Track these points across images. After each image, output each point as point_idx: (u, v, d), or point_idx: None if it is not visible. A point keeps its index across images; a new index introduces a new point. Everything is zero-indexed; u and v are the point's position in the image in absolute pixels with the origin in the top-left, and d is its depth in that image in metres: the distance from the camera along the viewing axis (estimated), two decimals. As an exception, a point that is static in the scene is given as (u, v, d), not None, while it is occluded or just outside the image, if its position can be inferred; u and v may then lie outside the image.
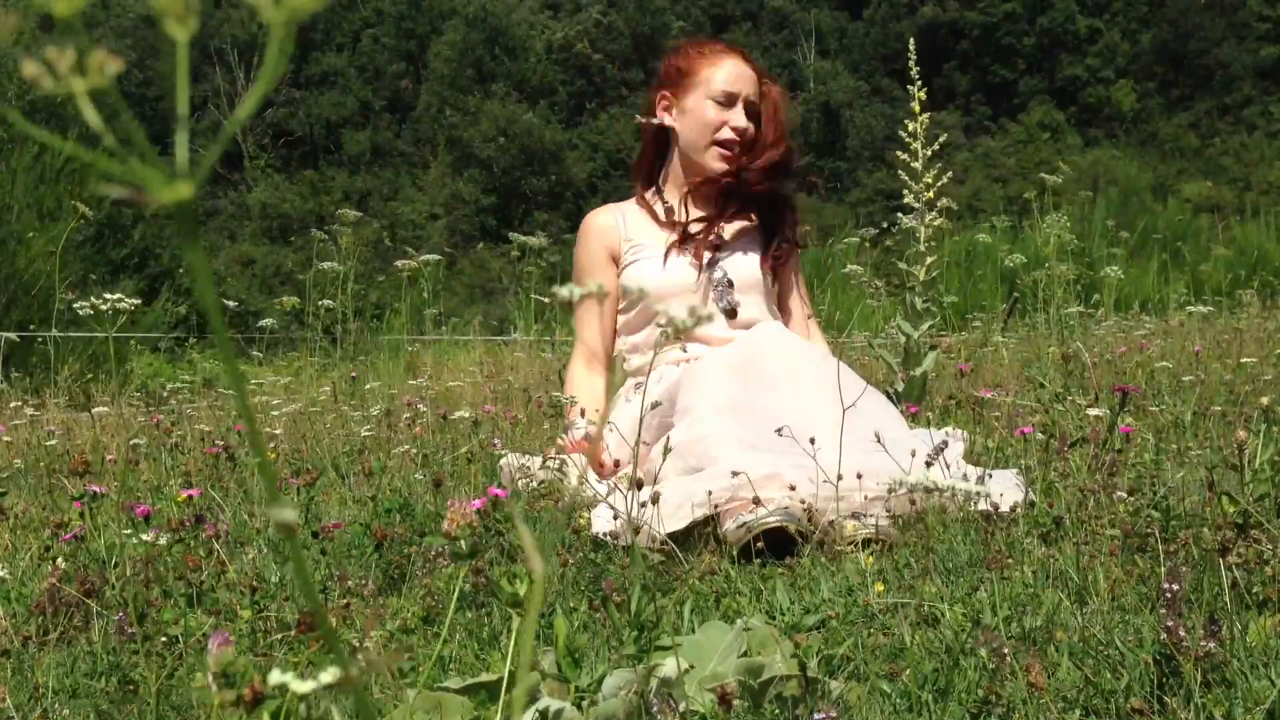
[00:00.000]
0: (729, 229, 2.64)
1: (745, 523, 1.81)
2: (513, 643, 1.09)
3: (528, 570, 1.27)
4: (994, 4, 40.67)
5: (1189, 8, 38.55)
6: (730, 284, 2.56)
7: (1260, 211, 10.58)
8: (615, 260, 2.63)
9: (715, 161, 2.60)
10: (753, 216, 2.67)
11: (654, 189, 2.71)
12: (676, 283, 2.53)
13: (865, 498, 1.87)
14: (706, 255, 2.57)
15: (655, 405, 2.29)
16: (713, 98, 2.59)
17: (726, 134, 2.59)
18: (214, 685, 0.76)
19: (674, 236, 2.59)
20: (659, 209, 2.67)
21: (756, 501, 1.81)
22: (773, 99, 2.64)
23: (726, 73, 2.60)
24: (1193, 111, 38.13)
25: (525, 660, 0.44)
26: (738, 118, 2.59)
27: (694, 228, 2.61)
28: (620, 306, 2.65)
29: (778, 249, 2.64)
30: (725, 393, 2.11)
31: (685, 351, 2.50)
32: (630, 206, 2.71)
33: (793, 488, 1.84)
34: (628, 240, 2.63)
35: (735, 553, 1.81)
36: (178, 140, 0.33)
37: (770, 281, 2.65)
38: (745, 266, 2.59)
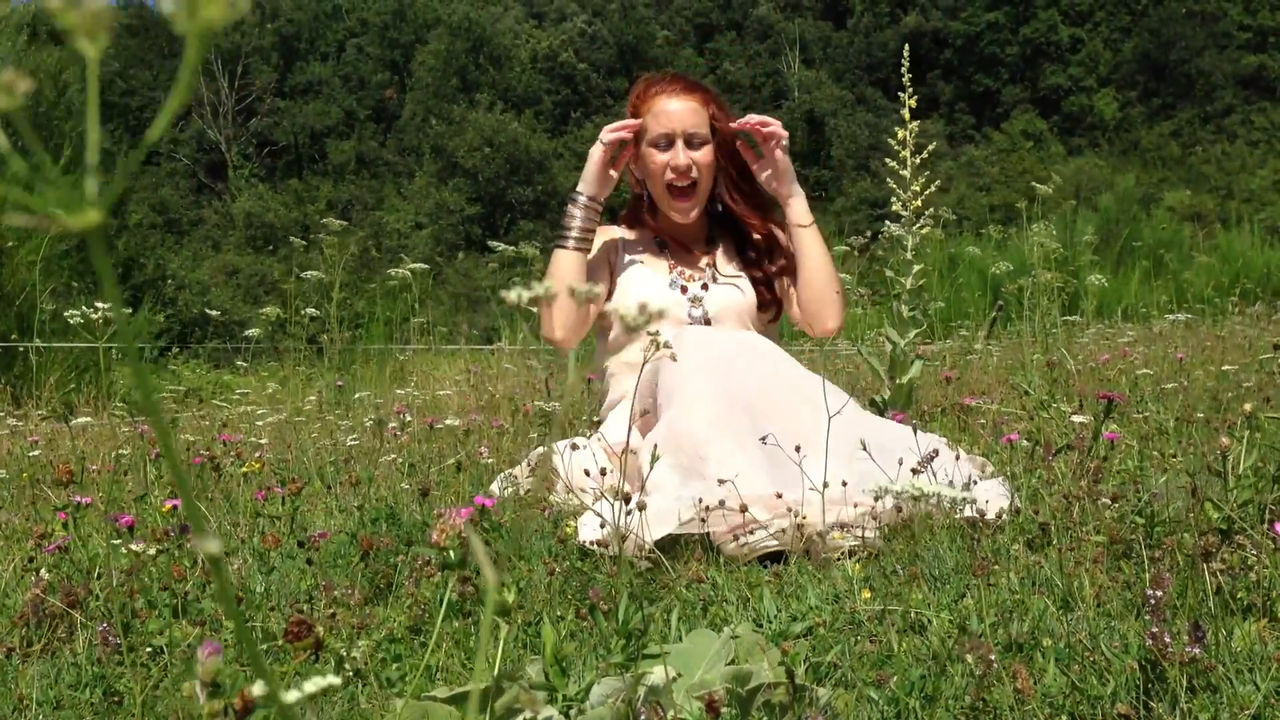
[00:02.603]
0: (723, 262, 2.65)
1: (748, 544, 1.82)
2: (500, 651, 1.09)
3: (514, 579, 1.27)
4: (977, 14, 40.93)
5: (1170, 17, 38.85)
6: (707, 323, 2.56)
7: (1242, 219, 10.67)
8: (611, 269, 2.64)
9: (672, 210, 2.59)
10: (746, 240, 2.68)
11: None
12: (656, 304, 2.53)
13: (854, 506, 1.87)
14: (693, 289, 2.59)
15: (644, 414, 2.29)
16: (653, 144, 2.56)
17: (670, 176, 2.55)
18: (202, 695, 0.76)
19: (667, 265, 2.63)
20: (653, 243, 2.68)
21: (744, 509, 1.82)
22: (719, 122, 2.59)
23: (658, 114, 2.55)
24: (1174, 120, 38.42)
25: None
26: (675, 156, 2.54)
27: (685, 267, 2.63)
28: (603, 321, 2.65)
29: (770, 265, 2.65)
30: (713, 384, 2.10)
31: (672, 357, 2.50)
32: (629, 231, 2.73)
33: (790, 509, 1.84)
34: (623, 258, 2.65)
35: (722, 561, 1.81)
36: (87, 169, 0.34)
37: (769, 306, 2.64)
38: (727, 306, 2.58)
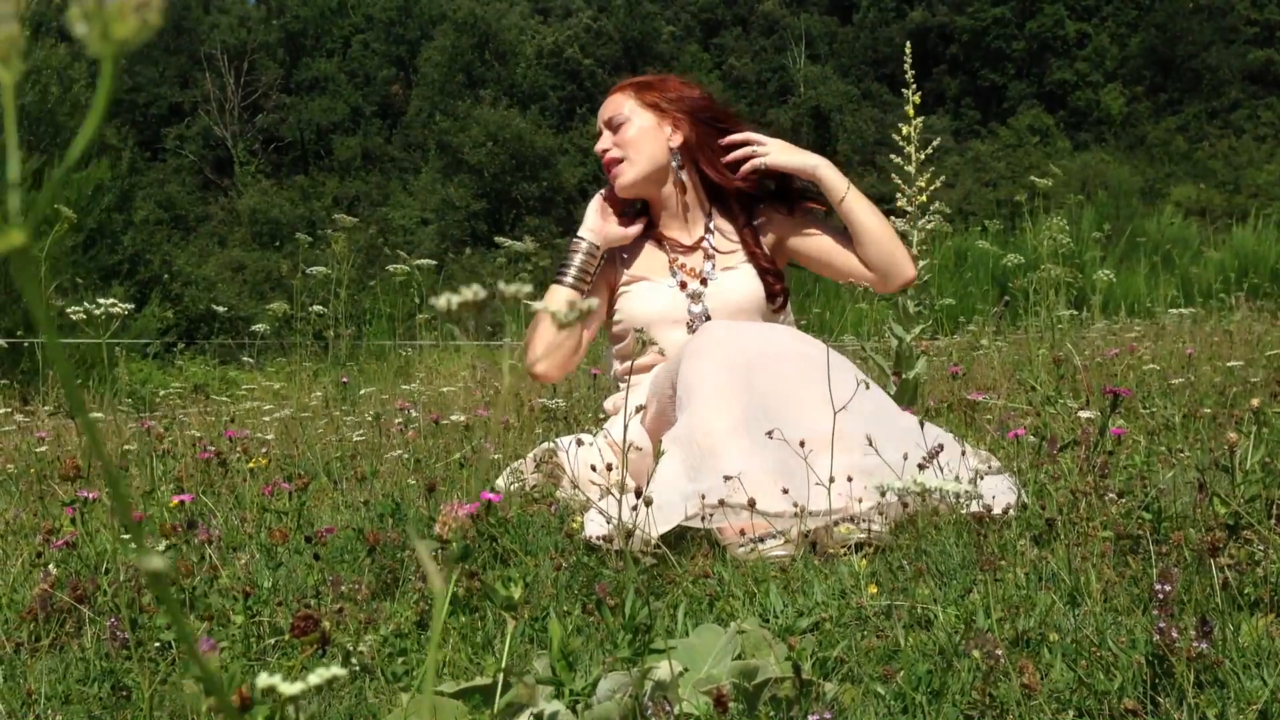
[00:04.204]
0: (723, 241, 2.62)
1: (757, 550, 1.83)
2: (507, 646, 1.09)
3: (521, 575, 1.27)
4: (983, 8, 40.82)
5: (1177, 12, 38.72)
6: (708, 319, 2.54)
7: (1250, 214, 10.64)
8: (612, 286, 2.64)
9: (615, 188, 2.63)
10: (751, 209, 2.65)
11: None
12: (662, 314, 2.53)
13: (859, 501, 1.87)
14: (692, 286, 2.57)
15: (640, 410, 2.29)
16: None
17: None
18: (201, 691, 0.76)
19: (666, 261, 2.61)
20: (649, 242, 2.68)
21: (751, 504, 1.82)
22: (645, 90, 2.64)
23: (600, 114, 2.69)
24: (1181, 115, 38.30)
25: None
26: (599, 145, 2.65)
27: (684, 260, 2.61)
28: (615, 330, 2.65)
29: (791, 212, 2.60)
30: (733, 383, 2.09)
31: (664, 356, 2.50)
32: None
33: (796, 505, 1.83)
34: (624, 272, 2.63)
35: (728, 556, 1.82)
36: (9, 189, 0.33)
37: (777, 297, 2.60)
38: (727, 301, 2.55)
